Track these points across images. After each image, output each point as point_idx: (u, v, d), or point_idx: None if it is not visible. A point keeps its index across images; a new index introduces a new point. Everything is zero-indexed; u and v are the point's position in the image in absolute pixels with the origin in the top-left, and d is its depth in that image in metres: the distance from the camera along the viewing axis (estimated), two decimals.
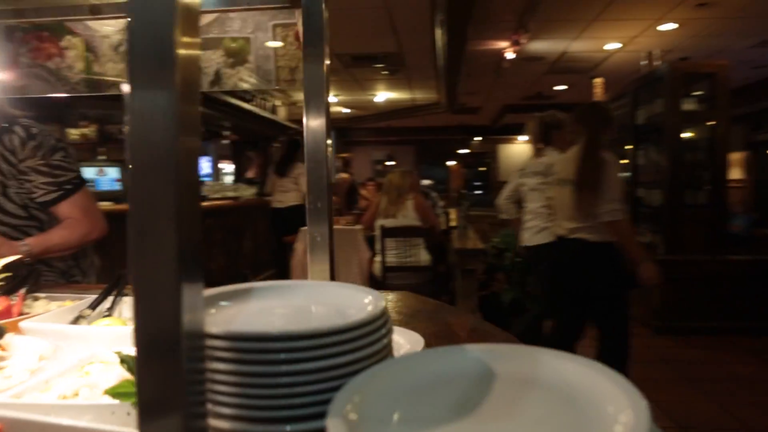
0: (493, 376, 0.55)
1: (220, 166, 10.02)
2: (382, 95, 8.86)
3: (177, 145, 0.44)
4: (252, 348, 0.54)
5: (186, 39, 0.45)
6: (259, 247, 6.84)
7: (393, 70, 6.89)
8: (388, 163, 14.60)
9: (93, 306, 1.31)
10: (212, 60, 1.98)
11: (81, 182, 1.80)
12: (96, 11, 1.46)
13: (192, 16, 0.46)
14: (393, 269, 4.30)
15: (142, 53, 0.44)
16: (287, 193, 5.97)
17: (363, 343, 0.57)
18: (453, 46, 4.69)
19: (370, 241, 4.57)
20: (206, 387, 0.51)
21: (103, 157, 8.34)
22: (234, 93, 6.80)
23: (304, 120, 1.11)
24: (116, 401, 0.65)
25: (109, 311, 1.32)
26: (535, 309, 3.58)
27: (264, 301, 0.70)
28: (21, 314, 1.23)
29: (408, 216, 4.44)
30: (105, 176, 4.85)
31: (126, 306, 1.38)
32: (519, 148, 13.93)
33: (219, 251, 5.73)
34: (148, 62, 0.44)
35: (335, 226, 4.44)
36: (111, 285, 1.43)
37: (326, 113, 1.11)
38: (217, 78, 1.96)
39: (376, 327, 0.59)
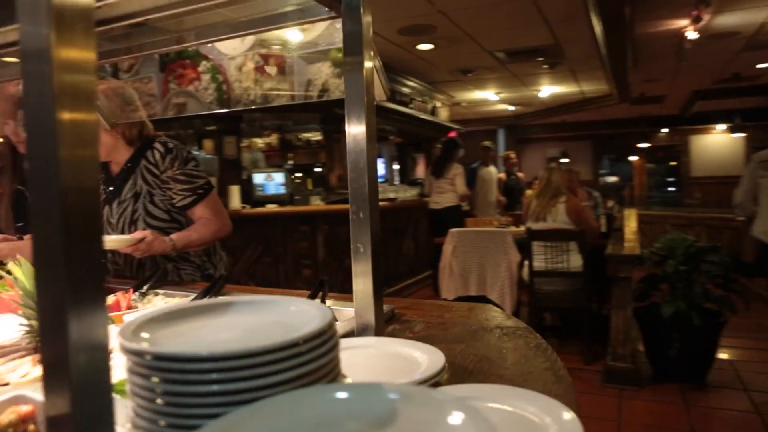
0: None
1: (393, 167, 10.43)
2: (547, 90, 8.42)
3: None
4: (151, 365, 0.55)
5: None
6: (419, 248, 6.97)
7: (553, 63, 6.51)
8: (562, 160, 13.84)
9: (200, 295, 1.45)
10: (321, 72, 2.07)
11: (210, 187, 2.03)
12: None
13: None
14: (541, 274, 4.07)
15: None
16: (444, 194, 6.00)
17: (264, 371, 0.55)
18: (612, 31, 4.27)
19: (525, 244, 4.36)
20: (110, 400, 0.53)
21: (291, 162, 9.24)
22: (393, 99, 7.03)
23: (346, 128, 1.11)
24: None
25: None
26: (703, 323, 3.11)
27: (212, 319, 0.71)
28: (129, 308, 1.42)
29: (558, 219, 4.17)
30: (272, 181, 5.36)
31: None
32: (717, 139, 12.19)
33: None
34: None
35: (486, 228, 4.33)
36: (210, 287, 1.58)
37: (368, 121, 1.09)
38: (324, 90, 2.04)
39: (282, 356, 0.56)
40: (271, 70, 2.09)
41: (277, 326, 0.68)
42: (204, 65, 2.22)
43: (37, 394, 0.74)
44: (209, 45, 2.16)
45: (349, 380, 0.73)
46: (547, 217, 4.22)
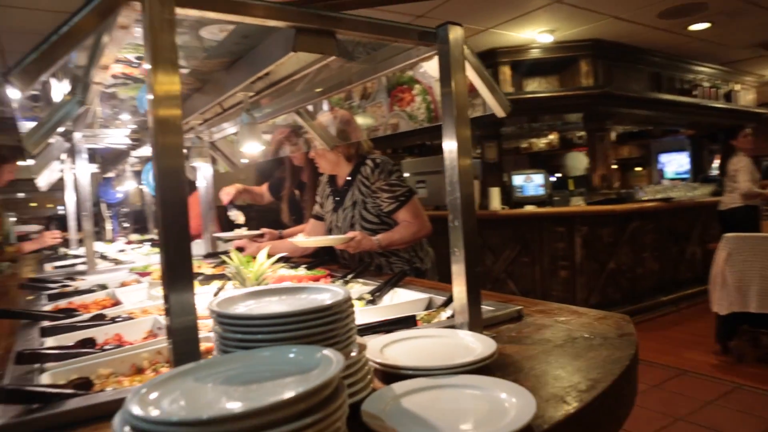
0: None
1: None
2: None
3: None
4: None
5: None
6: (708, 253, 6.06)
7: None
8: None
9: (374, 292, 1.78)
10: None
11: (411, 194, 2.34)
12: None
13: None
14: None
15: None
16: (729, 193, 5.13)
17: None
18: None
19: None
20: None
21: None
22: (671, 89, 6.30)
23: (444, 145, 1.26)
24: None
25: (375, 295, 1.75)
26: None
27: (273, 297, 0.98)
28: None
29: None
30: (531, 182, 5.43)
31: (391, 295, 1.81)
32: None
33: (649, 255, 5.46)
34: None
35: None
36: (392, 278, 1.88)
37: (459, 139, 1.22)
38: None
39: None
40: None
41: (310, 303, 0.92)
42: (417, 88, 2.56)
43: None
44: (422, 70, 2.48)
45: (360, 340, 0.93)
46: None
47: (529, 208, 5.18)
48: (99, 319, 1.52)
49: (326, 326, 0.85)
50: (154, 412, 0.57)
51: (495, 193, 5.37)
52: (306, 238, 2.41)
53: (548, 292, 5.00)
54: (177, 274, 0.88)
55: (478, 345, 1.08)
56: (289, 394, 0.57)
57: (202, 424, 0.53)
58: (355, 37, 1.24)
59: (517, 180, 5.48)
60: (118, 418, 0.59)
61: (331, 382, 0.63)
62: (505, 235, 5.27)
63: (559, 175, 10.72)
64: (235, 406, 0.61)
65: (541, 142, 9.72)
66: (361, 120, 2.53)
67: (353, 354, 0.90)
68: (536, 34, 5.19)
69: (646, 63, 6.17)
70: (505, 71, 5.67)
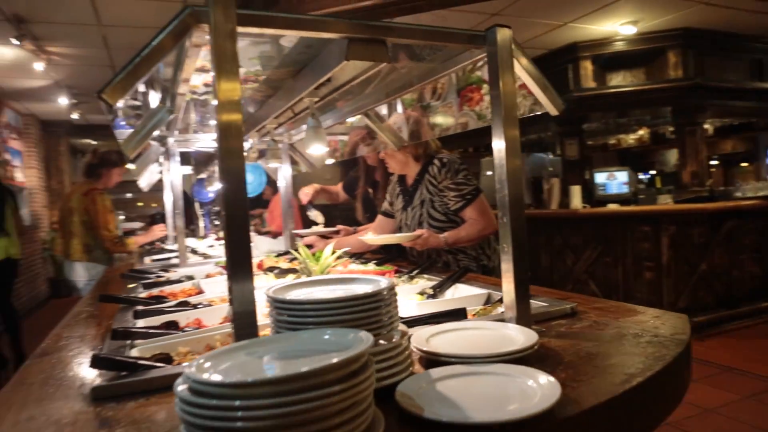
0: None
1: None
2: None
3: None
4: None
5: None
6: None
7: None
8: None
9: (435, 288, 1.84)
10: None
11: (477, 192, 2.37)
12: None
13: None
14: None
15: None
16: None
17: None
18: None
19: None
20: None
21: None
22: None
23: (493, 145, 1.29)
24: None
25: (436, 290, 1.81)
26: None
27: (324, 287, 1.07)
28: None
29: None
30: (614, 180, 5.22)
31: (453, 290, 1.86)
32: None
33: (748, 257, 5.08)
34: None
35: None
36: (454, 275, 1.94)
37: (508, 139, 1.26)
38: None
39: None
40: None
41: (355, 291, 1.00)
42: (485, 88, 2.58)
43: None
44: None
45: (402, 328, 1.00)
46: None
47: (612, 207, 4.99)
48: (183, 306, 1.69)
49: (368, 312, 0.93)
50: (203, 375, 0.67)
51: (576, 192, 5.23)
52: (374, 235, 2.51)
53: (631, 293, 4.79)
54: (239, 266, 1.00)
55: (520, 337, 1.12)
56: (319, 365, 0.65)
57: (237, 386, 0.63)
58: (406, 43, 1.30)
59: (600, 178, 5.29)
60: (180, 379, 0.71)
61: (358, 357, 0.70)
62: (586, 235, 5.11)
63: (653, 172, 10.16)
64: (271, 373, 0.70)
65: (630, 138, 9.28)
66: (438, 119, 2.59)
67: (395, 339, 0.97)
68: (618, 26, 4.98)
69: (746, 50, 5.72)
70: (587, 66, 5.49)
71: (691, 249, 4.76)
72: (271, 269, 2.27)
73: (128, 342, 1.29)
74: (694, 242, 4.77)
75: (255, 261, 2.64)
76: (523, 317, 1.26)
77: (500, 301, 1.58)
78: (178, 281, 2.28)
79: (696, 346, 4.40)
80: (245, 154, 2.95)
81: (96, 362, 1.04)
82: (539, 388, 0.85)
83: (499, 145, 1.28)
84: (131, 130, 1.87)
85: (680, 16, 4.83)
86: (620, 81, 5.66)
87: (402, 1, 3.42)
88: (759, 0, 4.42)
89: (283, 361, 0.76)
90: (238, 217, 1.00)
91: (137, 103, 2.62)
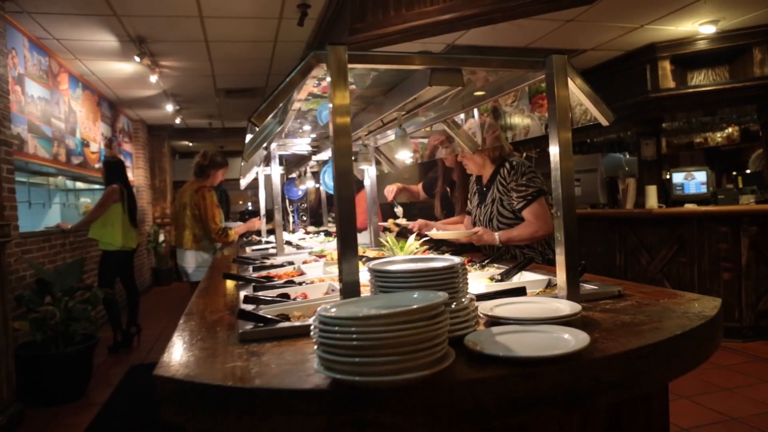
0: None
1: None
2: None
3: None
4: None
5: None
6: None
7: None
8: None
9: (503, 275, 2.12)
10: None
11: (538, 195, 2.59)
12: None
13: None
14: None
15: None
16: None
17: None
18: None
19: None
20: None
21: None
22: None
23: (550, 149, 1.56)
24: None
25: (503, 276, 2.08)
26: None
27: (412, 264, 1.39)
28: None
29: None
30: (692, 180, 5.19)
31: (519, 276, 2.12)
32: None
33: None
34: None
35: None
36: (520, 263, 2.20)
37: (562, 144, 1.52)
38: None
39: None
40: None
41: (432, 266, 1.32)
42: None
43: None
44: None
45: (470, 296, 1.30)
46: None
47: (689, 207, 4.98)
48: (290, 284, 2.07)
49: (445, 280, 1.24)
50: (331, 312, 1.01)
51: (651, 191, 5.25)
52: (438, 231, 2.81)
53: (707, 294, 4.76)
54: (347, 246, 1.33)
55: (567, 308, 1.38)
56: (410, 306, 0.97)
57: (353, 318, 0.97)
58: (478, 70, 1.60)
59: (677, 178, 5.28)
60: (313, 317, 1.05)
61: (437, 305, 1.01)
62: (661, 234, 5.13)
63: (748, 171, 9.69)
64: (375, 312, 1.03)
65: (717, 136, 8.96)
66: (514, 120, 2.85)
67: (464, 301, 1.27)
68: (697, 26, 4.96)
69: None
70: (665, 66, 5.47)
71: None
72: (359, 257, 2.62)
73: (253, 306, 1.67)
74: None
75: None
76: (572, 294, 1.51)
77: None
78: (281, 266, 2.69)
79: None
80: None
81: (242, 315, 1.42)
82: (574, 340, 1.12)
83: (554, 150, 1.54)
84: (250, 137, 2.27)
85: (765, 13, 4.75)
86: (702, 79, 5.59)
87: (479, 14, 3.71)
88: None
89: (383, 307, 1.09)
90: (347, 208, 1.33)
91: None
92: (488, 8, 3.63)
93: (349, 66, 1.33)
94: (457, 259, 1.32)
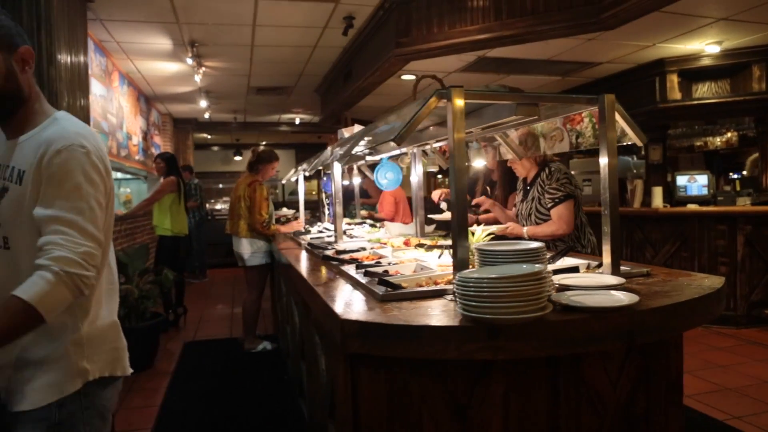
0: None
1: None
2: None
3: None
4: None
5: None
6: None
7: None
8: None
9: (550, 258, 2.65)
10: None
11: (565, 198, 3.11)
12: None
13: None
14: None
15: None
16: None
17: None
18: None
19: None
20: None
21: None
22: None
23: (600, 160, 2.09)
24: None
25: (550, 260, 2.61)
26: None
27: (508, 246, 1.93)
28: None
29: None
30: (694, 183, 5.74)
31: (561, 261, 2.66)
32: None
33: None
34: None
35: None
36: (563, 250, 2.74)
37: (611, 163, 2.05)
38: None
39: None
40: None
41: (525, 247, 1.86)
42: (586, 113, 3.33)
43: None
44: None
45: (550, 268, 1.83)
46: None
47: (691, 207, 5.54)
48: (381, 266, 2.60)
49: (533, 257, 1.78)
50: (469, 276, 1.55)
51: (657, 192, 5.80)
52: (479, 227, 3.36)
53: None
54: (461, 233, 1.87)
55: (614, 281, 1.92)
56: (528, 271, 1.51)
57: (484, 278, 1.50)
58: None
59: (681, 180, 5.83)
60: (456, 279, 1.58)
61: (541, 270, 1.55)
62: (665, 231, 5.69)
63: (745, 173, 10.27)
64: (496, 276, 1.57)
65: (717, 141, 9.52)
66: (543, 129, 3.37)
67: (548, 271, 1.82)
68: (704, 46, 5.51)
69: None
70: (673, 79, 6.02)
71: (766, 247, 5.24)
72: (420, 245, 3.16)
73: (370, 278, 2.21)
74: None
75: (396, 241, 3.57)
76: (615, 271, 2.06)
77: (597, 266, 2.37)
78: (357, 251, 3.22)
79: (765, 334, 4.94)
80: (402, 159, 3.88)
81: (380, 281, 1.96)
82: (627, 298, 1.66)
83: (603, 163, 2.08)
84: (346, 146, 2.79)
85: (764, 36, 5.29)
86: (705, 91, 6.14)
87: (515, 35, 4.24)
88: None
89: (500, 273, 1.63)
90: (462, 201, 1.86)
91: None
92: (523, 30, 4.15)
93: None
94: (538, 243, 1.86)
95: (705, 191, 5.67)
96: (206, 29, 5.57)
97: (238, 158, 15.57)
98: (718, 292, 1.88)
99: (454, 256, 1.87)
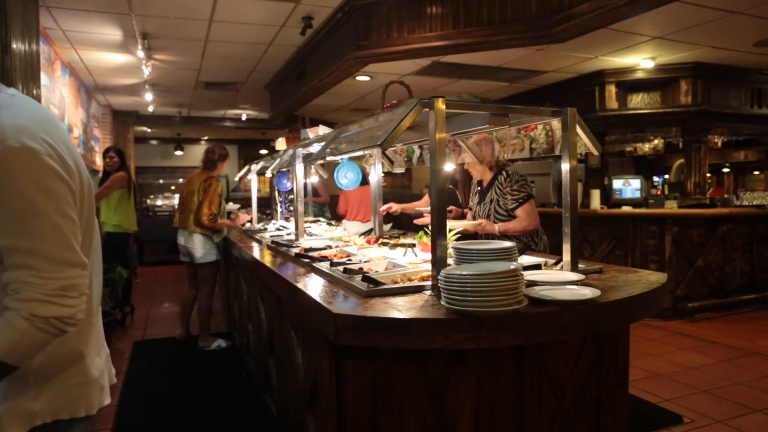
0: None
1: None
2: None
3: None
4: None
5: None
6: None
7: None
8: None
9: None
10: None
11: (528, 198, 3.35)
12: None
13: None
14: None
15: None
16: None
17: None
18: None
19: None
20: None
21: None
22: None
23: (562, 166, 2.29)
24: None
25: None
26: None
27: (475, 246, 2.10)
28: None
29: None
30: (629, 186, 6.20)
31: (520, 258, 2.86)
32: None
33: (738, 256, 6.05)
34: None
35: None
36: (518, 249, 2.94)
37: (572, 168, 2.25)
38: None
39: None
40: None
41: (497, 246, 2.03)
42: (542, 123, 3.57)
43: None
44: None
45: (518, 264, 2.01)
46: None
47: (626, 209, 5.97)
48: (353, 262, 2.71)
49: (507, 255, 1.96)
50: (452, 272, 1.70)
51: (595, 195, 6.20)
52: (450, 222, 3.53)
53: None
54: (440, 232, 2.01)
55: (573, 277, 2.13)
56: (506, 269, 1.68)
57: (466, 275, 1.66)
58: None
59: (617, 184, 6.27)
60: (440, 275, 1.73)
61: (518, 268, 1.72)
62: (602, 231, 6.10)
63: (667, 176, 11.10)
64: (478, 272, 1.72)
65: (645, 147, 10.22)
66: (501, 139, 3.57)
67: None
68: (639, 60, 5.95)
69: (747, 80, 6.66)
70: (611, 89, 6.46)
71: (691, 247, 5.74)
72: (384, 243, 3.30)
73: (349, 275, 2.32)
74: (693, 241, 5.75)
75: (358, 239, 3.69)
76: (574, 268, 2.27)
77: (555, 263, 2.59)
78: (323, 249, 3.31)
79: (689, 326, 5.43)
80: (366, 160, 3.99)
81: (364, 278, 2.08)
82: (591, 292, 1.86)
83: (565, 168, 2.28)
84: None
85: (691, 54, 5.78)
86: (639, 102, 6.62)
87: (472, 44, 4.44)
88: (756, 45, 5.35)
89: (478, 270, 1.78)
90: (441, 202, 2.01)
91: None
92: (480, 39, 4.36)
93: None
94: (510, 242, 2.04)
95: (638, 194, 6.12)
96: (161, 22, 5.47)
97: (178, 153, 15.17)
98: (663, 287, 2.12)
99: (434, 253, 2.02)
